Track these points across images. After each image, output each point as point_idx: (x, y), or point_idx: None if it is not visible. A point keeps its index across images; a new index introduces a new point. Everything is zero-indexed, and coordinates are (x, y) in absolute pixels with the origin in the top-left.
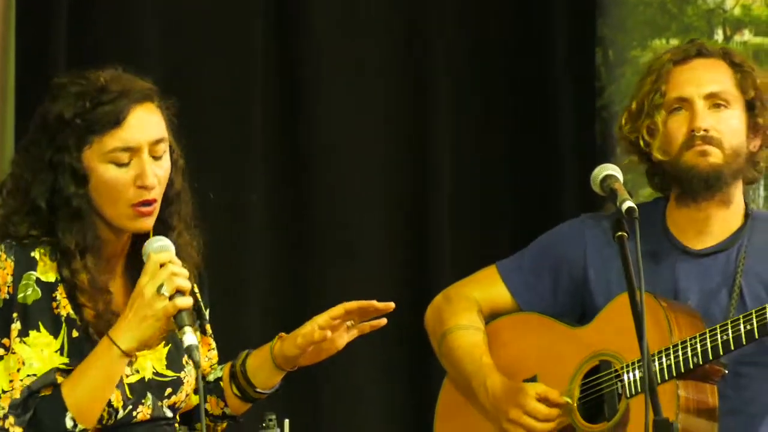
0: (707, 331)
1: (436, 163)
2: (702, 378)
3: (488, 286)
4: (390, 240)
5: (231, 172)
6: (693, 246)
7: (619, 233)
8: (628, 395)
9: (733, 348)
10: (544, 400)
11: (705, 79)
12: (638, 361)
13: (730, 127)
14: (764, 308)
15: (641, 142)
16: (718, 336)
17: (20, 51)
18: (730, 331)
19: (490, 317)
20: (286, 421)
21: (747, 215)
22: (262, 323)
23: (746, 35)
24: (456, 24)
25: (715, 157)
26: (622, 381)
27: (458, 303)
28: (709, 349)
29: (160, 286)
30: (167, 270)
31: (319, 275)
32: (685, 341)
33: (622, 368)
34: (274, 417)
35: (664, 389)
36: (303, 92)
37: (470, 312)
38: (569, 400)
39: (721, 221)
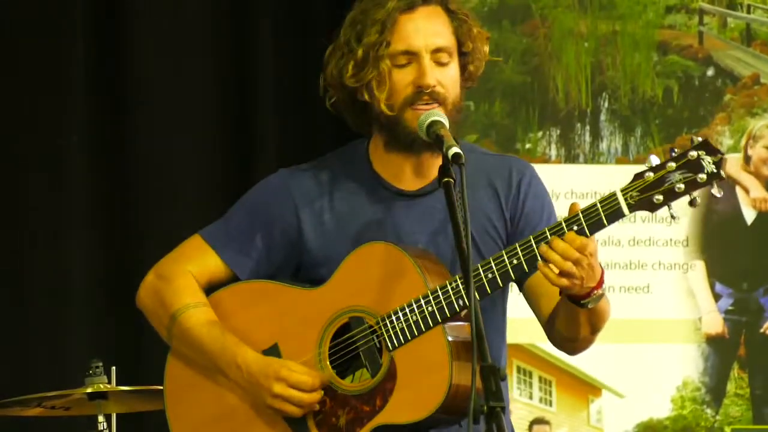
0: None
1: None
2: (462, 319)
3: (200, 258)
4: (212, 179)
5: (49, 114)
6: (406, 187)
7: (446, 179)
8: (391, 348)
9: (501, 285)
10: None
11: (431, 31)
12: (395, 313)
13: (452, 80)
14: (529, 240)
15: (365, 94)
16: (482, 275)
17: None
18: (494, 269)
19: (208, 290)
20: (113, 368)
21: None
22: (87, 262)
23: None
24: None
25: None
26: (379, 335)
27: (177, 281)
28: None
29: None
30: None
31: (143, 218)
32: (445, 285)
33: (377, 322)
34: (101, 364)
35: (431, 336)
36: (121, 27)
37: (193, 288)
38: (330, 368)
39: (432, 162)
